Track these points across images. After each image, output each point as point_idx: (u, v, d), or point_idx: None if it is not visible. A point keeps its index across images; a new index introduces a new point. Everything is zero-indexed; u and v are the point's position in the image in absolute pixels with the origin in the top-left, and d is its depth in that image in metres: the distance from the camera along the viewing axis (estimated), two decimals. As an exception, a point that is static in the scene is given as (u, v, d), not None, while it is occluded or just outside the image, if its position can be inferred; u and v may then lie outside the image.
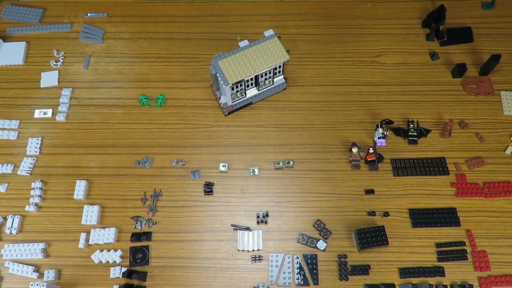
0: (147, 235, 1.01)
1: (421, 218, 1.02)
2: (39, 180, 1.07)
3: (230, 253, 1.00)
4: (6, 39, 1.25)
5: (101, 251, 1.00)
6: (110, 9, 1.30)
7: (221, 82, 1.02)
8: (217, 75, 1.02)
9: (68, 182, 1.07)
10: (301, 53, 1.22)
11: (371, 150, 1.06)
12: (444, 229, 1.01)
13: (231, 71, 1.02)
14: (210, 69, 1.03)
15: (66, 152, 1.11)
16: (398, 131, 1.11)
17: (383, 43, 1.24)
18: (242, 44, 1.06)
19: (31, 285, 0.94)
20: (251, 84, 1.10)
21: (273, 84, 1.13)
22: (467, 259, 0.98)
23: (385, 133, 1.10)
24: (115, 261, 0.99)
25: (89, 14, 1.29)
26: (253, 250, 1.00)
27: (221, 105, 1.11)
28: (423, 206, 1.03)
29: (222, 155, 1.10)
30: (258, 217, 1.03)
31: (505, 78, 1.18)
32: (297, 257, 0.99)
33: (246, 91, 1.11)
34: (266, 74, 1.07)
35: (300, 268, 0.98)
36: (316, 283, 0.97)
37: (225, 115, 1.14)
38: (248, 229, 1.02)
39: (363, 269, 0.97)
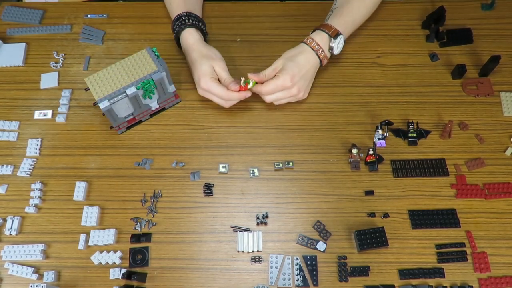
0: (146, 236, 1.01)
1: (421, 219, 1.02)
2: (38, 181, 1.07)
3: (229, 254, 1.00)
4: (6, 40, 1.25)
5: (101, 252, 1.00)
6: (110, 10, 1.30)
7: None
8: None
9: (67, 183, 1.07)
10: (301, 54, 1.22)
11: (370, 151, 1.06)
12: (444, 230, 1.01)
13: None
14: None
15: (66, 153, 1.11)
16: (398, 132, 1.11)
17: (383, 44, 1.24)
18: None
19: (31, 286, 0.94)
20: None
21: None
22: (467, 260, 0.98)
23: (385, 134, 1.10)
24: (114, 262, 0.99)
25: (89, 16, 1.29)
26: (252, 251, 1.00)
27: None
28: (423, 207, 1.03)
29: (221, 156, 1.10)
30: (257, 218, 1.03)
31: (505, 79, 1.18)
32: (297, 258, 0.99)
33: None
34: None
35: (300, 269, 0.98)
36: (315, 285, 0.96)
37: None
38: (248, 230, 1.02)
39: (363, 270, 0.97)
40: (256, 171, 1.08)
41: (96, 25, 1.28)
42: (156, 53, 1.04)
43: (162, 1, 1.29)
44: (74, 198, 1.05)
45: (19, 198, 1.06)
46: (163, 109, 1.15)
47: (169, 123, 1.14)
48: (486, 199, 1.04)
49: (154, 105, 1.11)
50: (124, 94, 1.01)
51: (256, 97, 1.17)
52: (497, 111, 1.14)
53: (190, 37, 1.11)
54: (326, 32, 1.08)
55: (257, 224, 1.03)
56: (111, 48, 1.25)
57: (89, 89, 1.01)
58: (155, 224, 1.03)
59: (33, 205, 1.05)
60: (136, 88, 1.01)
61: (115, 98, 1.00)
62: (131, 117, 1.10)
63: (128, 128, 1.13)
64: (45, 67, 1.23)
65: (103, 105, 1.00)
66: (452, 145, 1.10)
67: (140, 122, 1.13)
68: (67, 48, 1.25)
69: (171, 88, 1.10)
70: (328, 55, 1.10)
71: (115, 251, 1.00)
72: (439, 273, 0.97)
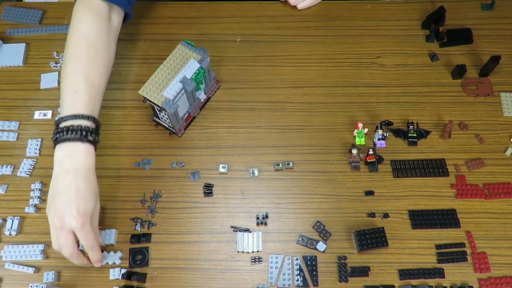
0: (146, 237, 1.01)
1: (421, 219, 1.02)
2: (38, 182, 1.07)
3: (229, 254, 1.00)
4: (6, 40, 1.25)
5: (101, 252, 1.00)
6: (110, 10, 1.30)
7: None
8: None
9: (67, 184, 1.07)
10: (301, 54, 1.22)
11: (370, 152, 1.06)
12: (444, 231, 1.01)
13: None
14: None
15: (66, 153, 1.11)
16: (398, 133, 1.11)
17: (383, 44, 1.24)
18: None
19: (31, 286, 0.94)
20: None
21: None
22: (467, 260, 0.98)
23: (385, 135, 1.10)
24: (114, 263, 0.99)
25: (89, 16, 1.29)
26: (252, 251, 1.00)
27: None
28: (423, 208, 1.03)
29: (221, 156, 1.10)
30: (257, 218, 1.03)
31: (505, 80, 1.18)
32: (297, 259, 0.99)
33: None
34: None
35: (300, 269, 0.98)
36: (315, 285, 0.96)
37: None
38: (248, 230, 1.02)
39: (363, 271, 0.97)
40: (256, 171, 1.08)
41: (96, 25, 1.28)
42: (192, 44, 1.04)
43: (162, 1, 1.30)
44: (74, 198, 1.05)
45: (19, 198, 1.06)
46: (208, 99, 1.14)
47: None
48: (486, 199, 1.04)
49: (202, 96, 1.10)
50: (183, 91, 1.00)
51: (256, 97, 1.17)
52: (497, 111, 1.14)
53: (89, 159, 0.88)
54: None
55: (257, 224, 1.03)
56: (111, 48, 1.25)
57: (147, 100, 1.00)
58: (155, 224, 1.03)
59: (33, 205, 1.05)
60: (192, 80, 1.00)
61: (177, 97, 1.00)
62: (187, 115, 1.10)
63: (185, 128, 1.12)
64: (45, 67, 1.23)
65: (170, 107, 0.98)
66: (452, 145, 1.10)
67: (193, 119, 1.13)
68: (67, 48, 1.25)
69: (212, 74, 1.10)
70: None
71: (115, 251, 0.99)
72: (439, 273, 0.97)
